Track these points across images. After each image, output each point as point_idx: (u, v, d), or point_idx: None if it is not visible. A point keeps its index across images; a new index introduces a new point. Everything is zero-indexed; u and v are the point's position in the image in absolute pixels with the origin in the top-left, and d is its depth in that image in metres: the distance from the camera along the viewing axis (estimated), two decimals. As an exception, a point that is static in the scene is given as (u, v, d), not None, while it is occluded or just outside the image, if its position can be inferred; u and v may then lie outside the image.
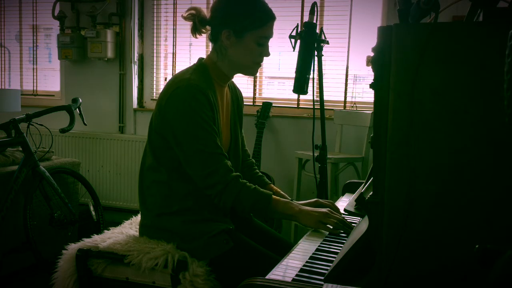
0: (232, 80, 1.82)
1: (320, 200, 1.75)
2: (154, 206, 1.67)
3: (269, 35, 1.67)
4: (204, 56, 1.76)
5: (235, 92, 1.86)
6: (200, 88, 1.57)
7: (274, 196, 1.62)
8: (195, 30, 1.70)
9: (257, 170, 1.94)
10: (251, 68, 1.71)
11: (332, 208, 1.67)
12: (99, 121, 4.46)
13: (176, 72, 1.83)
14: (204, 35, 1.75)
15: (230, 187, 1.57)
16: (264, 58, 1.70)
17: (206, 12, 1.71)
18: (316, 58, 2.41)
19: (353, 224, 1.56)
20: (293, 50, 2.35)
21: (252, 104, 4.10)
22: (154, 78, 4.43)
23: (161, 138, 1.63)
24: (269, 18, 1.65)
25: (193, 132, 1.56)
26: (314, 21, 2.36)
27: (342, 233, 1.53)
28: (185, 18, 1.70)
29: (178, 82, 1.60)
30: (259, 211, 1.62)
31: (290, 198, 1.78)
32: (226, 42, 1.64)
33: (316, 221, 1.57)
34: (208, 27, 1.71)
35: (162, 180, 1.66)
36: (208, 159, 1.56)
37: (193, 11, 1.68)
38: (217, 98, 1.67)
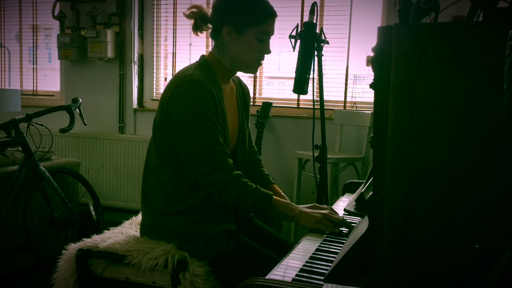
0: (237, 75, 1.81)
1: (318, 205, 1.74)
2: (157, 206, 1.67)
3: (270, 31, 1.66)
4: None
5: (241, 87, 1.84)
6: (204, 84, 1.56)
7: (274, 197, 1.62)
8: (197, 28, 1.70)
9: (263, 169, 1.92)
10: (252, 66, 1.69)
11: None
12: (99, 121, 4.45)
13: (178, 70, 1.82)
14: (204, 35, 1.75)
15: (231, 185, 1.56)
16: (265, 56, 1.69)
17: (207, 11, 1.71)
18: (316, 58, 2.42)
19: (353, 224, 1.56)
20: (293, 50, 2.35)
21: (252, 104, 4.10)
22: (154, 78, 4.43)
23: (165, 135, 1.63)
24: (270, 14, 1.64)
25: (196, 129, 1.55)
26: (314, 21, 2.36)
27: (343, 232, 1.53)
28: (187, 16, 1.70)
29: (181, 78, 1.59)
30: (259, 211, 1.61)
31: (289, 201, 1.78)
32: (227, 38, 1.64)
33: (316, 222, 1.56)
34: (209, 25, 1.71)
35: (166, 179, 1.65)
36: (210, 157, 1.56)
37: (194, 9, 1.69)
38: (222, 93, 1.66)
